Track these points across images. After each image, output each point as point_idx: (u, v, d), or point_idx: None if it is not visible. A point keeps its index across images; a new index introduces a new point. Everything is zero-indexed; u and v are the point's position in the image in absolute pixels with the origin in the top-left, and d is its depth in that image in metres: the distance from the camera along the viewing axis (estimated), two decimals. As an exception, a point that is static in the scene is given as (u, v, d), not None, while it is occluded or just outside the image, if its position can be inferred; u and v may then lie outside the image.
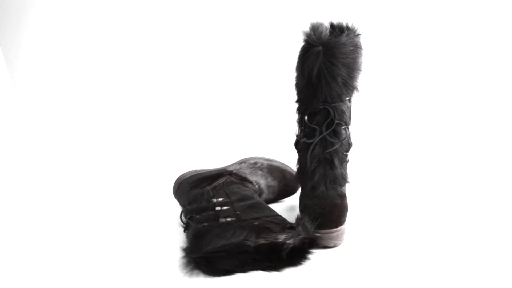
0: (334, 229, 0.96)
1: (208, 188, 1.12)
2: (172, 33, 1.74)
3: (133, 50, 1.75)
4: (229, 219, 0.99)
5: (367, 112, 1.66)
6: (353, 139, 0.98)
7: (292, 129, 1.00)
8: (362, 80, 0.95)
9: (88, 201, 1.25)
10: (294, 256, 0.89)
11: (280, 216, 1.00)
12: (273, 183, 1.20)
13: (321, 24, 0.92)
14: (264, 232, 0.91)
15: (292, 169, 1.22)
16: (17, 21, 1.73)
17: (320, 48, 0.90)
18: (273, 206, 1.16)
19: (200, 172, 1.18)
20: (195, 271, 0.87)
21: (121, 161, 1.56)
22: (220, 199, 1.06)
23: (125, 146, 1.63)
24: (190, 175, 1.18)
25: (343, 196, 0.96)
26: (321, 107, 0.93)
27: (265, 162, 1.22)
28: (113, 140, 1.65)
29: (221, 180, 1.15)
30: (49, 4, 1.73)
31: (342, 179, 0.96)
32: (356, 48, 0.91)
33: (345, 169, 0.97)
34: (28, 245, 0.99)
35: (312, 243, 0.92)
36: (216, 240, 0.90)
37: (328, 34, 0.91)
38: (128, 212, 1.17)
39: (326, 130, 0.93)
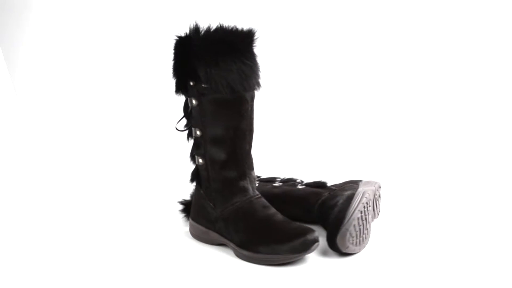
0: (190, 219, 1.01)
1: None
2: (172, 33, 1.74)
3: (133, 50, 1.75)
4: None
5: (366, 111, 1.66)
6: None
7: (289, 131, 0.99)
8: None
9: (87, 201, 1.25)
10: None
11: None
12: None
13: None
14: None
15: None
16: (17, 21, 1.74)
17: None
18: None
19: None
20: None
21: (120, 160, 1.56)
22: None
23: (124, 146, 1.63)
24: None
25: (200, 197, 0.96)
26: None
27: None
28: (112, 140, 1.66)
29: None
30: (49, 4, 1.74)
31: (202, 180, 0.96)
32: (177, 50, 0.97)
33: (199, 170, 0.97)
34: (27, 245, 0.99)
35: None
36: None
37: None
38: (127, 212, 1.17)
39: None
